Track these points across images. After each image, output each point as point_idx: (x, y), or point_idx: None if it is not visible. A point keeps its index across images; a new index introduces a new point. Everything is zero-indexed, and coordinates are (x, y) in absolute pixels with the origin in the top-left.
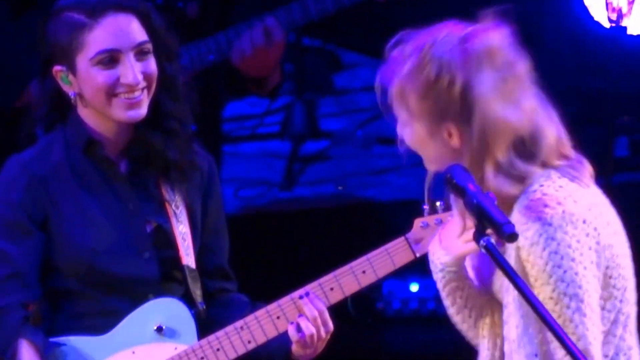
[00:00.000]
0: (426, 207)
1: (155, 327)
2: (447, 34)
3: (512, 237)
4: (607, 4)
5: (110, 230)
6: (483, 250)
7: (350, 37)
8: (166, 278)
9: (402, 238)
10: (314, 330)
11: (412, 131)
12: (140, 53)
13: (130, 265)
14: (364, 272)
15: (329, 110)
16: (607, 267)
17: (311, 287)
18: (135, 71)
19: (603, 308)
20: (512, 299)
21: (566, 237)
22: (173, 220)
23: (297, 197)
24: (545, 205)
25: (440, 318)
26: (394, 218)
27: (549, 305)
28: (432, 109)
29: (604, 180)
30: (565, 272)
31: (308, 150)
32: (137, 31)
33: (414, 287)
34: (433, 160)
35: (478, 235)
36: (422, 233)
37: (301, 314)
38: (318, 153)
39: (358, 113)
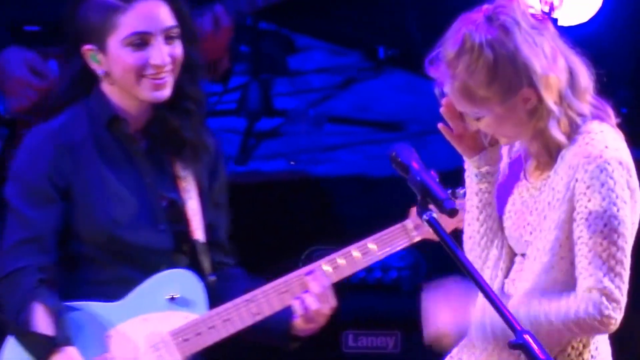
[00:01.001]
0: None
1: (168, 297)
2: (473, 21)
3: (452, 212)
4: None
5: (130, 202)
6: (426, 224)
7: (304, 21)
8: (178, 250)
9: (401, 224)
10: (319, 306)
11: (490, 118)
12: (168, 37)
13: (147, 237)
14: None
15: (283, 90)
16: (632, 223)
17: (317, 265)
18: (163, 53)
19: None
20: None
21: (621, 180)
22: (185, 196)
23: (252, 171)
24: (606, 147)
25: (402, 288)
26: (343, 192)
27: (597, 239)
28: (503, 87)
29: None
30: (619, 210)
31: (263, 127)
32: (166, 16)
33: None
34: (514, 133)
35: (421, 210)
36: (418, 220)
37: (307, 289)
38: (272, 130)
39: (310, 93)
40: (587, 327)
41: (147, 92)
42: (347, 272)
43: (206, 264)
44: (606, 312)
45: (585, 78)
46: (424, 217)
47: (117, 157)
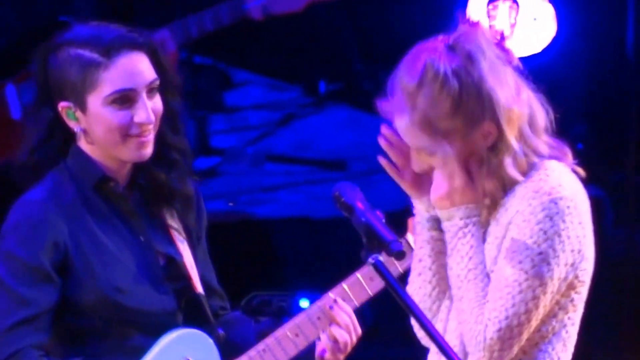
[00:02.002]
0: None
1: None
2: (434, 49)
3: (399, 255)
4: (490, 27)
5: (128, 266)
6: (371, 268)
7: (241, 55)
8: (183, 309)
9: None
10: (347, 338)
11: (446, 152)
12: (150, 91)
13: (151, 300)
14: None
15: (220, 127)
16: (576, 277)
17: (327, 296)
18: (149, 111)
19: (555, 315)
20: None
21: (561, 226)
22: (180, 249)
23: None
24: (560, 185)
25: None
26: (284, 234)
27: (506, 272)
28: (467, 118)
29: None
30: (539, 254)
31: (199, 166)
32: (148, 69)
33: (304, 304)
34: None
35: (366, 253)
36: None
37: (332, 322)
38: (209, 169)
39: (248, 130)
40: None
41: (131, 152)
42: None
43: (211, 317)
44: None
45: (542, 114)
46: (370, 260)
47: (109, 218)
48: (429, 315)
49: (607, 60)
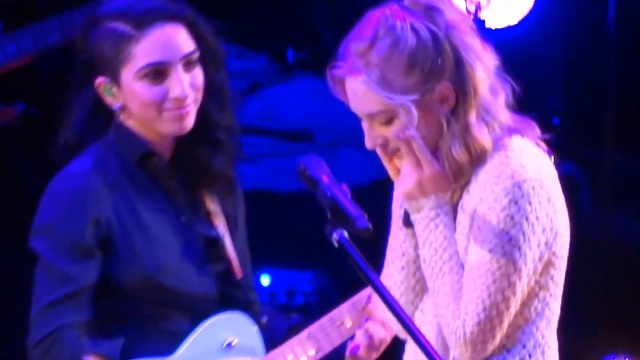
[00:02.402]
0: None
1: (224, 344)
2: (387, 8)
3: (365, 231)
4: None
5: (171, 244)
6: (335, 244)
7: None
8: (223, 292)
9: None
10: (383, 334)
11: (402, 119)
12: (188, 64)
13: (193, 282)
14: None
15: None
16: (553, 254)
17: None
18: (184, 84)
19: (536, 295)
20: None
21: (528, 209)
22: (220, 232)
23: None
24: (522, 166)
25: (309, 314)
26: (245, 209)
27: (477, 262)
28: (424, 76)
29: None
30: (509, 240)
31: None
32: (184, 41)
33: (265, 280)
34: (429, 140)
35: (331, 229)
36: None
37: (368, 317)
38: None
39: None
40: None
41: (168, 125)
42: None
43: (255, 304)
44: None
45: (504, 86)
46: (334, 236)
47: (151, 194)
48: (410, 308)
49: (586, 33)
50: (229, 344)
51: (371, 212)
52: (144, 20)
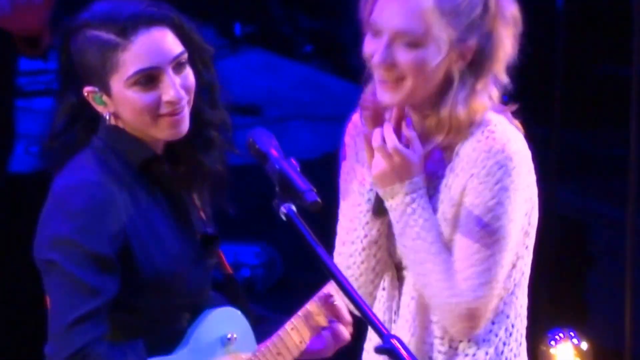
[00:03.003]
0: None
1: (224, 339)
2: None
3: (314, 205)
4: None
5: (178, 247)
6: (284, 218)
7: None
8: (217, 288)
9: None
10: (347, 335)
11: (428, 50)
12: (177, 66)
13: (197, 282)
14: None
15: None
16: (529, 224)
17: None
18: (177, 87)
19: (514, 267)
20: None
21: (518, 180)
22: (210, 228)
23: None
24: (509, 140)
25: (255, 288)
26: None
27: (470, 237)
28: (468, 24)
29: None
30: (504, 213)
31: None
32: (172, 44)
33: None
34: (418, 89)
35: (279, 202)
36: None
37: (334, 318)
38: None
39: None
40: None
41: (165, 131)
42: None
43: (243, 297)
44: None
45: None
46: (282, 210)
47: (156, 199)
48: (370, 288)
49: (534, 10)
50: (229, 339)
51: (319, 185)
52: (128, 26)
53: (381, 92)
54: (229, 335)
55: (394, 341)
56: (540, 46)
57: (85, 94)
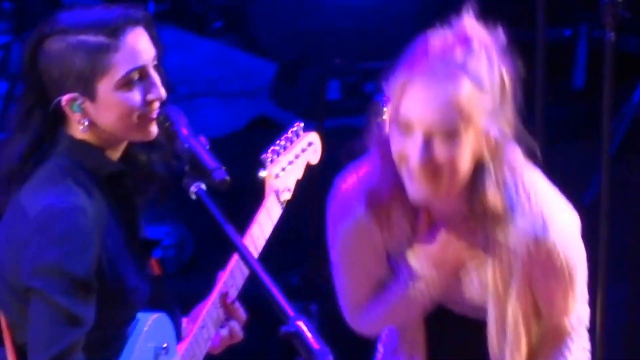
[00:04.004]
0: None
1: (159, 349)
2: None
3: (222, 183)
4: None
5: (133, 258)
6: (193, 197)
7: None
8: (152, 293)
9: (273, 194)
10: (241, 334)
11: (458, 146)
12: (154, 66)
13: (144, 290)
14: (258, 237)
15: None
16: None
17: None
18: (159, 86)
19: None
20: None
21: (576, 249)
22: (147, 232)
23: None
24: (557, 211)
25: (165, 270)
26: None
27: (569, 297)
28: (491, 111)
29: (317, 124)
30: (584, 268)
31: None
32: (150, 44)
33: None
34: (455, 181)
35: (189, 181)
36: (278, 182)
37: (232, 318)
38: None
39: None
40: None
41: (143, 132)
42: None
43: (170, 299)
44: None
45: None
46: (192, 188)
47: (117, 212)
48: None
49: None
50: (164, 349)
51: (228, 164)
52: (117, 27)
53: (415, 188)
54: (164, 345)
55: (300, 323)
56: (444, 13)
57: (63, 102)
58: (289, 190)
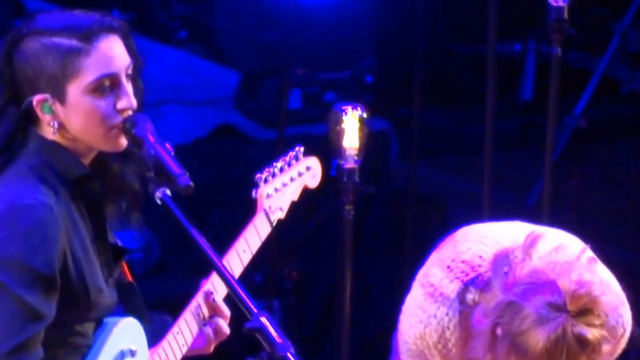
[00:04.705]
0: (261, 175)
1: (126, 352)
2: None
3: (187, 189)
4: None
5: (101, 262)
6: (159, 202)
7: None
8: (121, 298)
9: (262, 212)
10: (227, 329)
11: None
12: (127, 76)
13: (111, 294)
14: (244, 250)
15: None
16: None
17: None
18: (130, 95)
19: None
20: None
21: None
22: (115, 239)
23: None
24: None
25: (132, 273)
26: None
27: None
28: None
29: (277, 133)
30: None
31: None
32: (124, 52)
33: None
34: None
35: (154, 187)
36: (269, 202)
37: (215, 315)
38: None
39: None
40: None
41: (112, 142)
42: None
43: (141, 306)
44: None
45: None
46: (157, 194)
47: (84, 216)
48: None
49: None
50: (132, 352)
51: (192, 170)
52: (90, 33)
53: None
54: (133, 348)
55: (263, 319)
56: (402, 27)
57: (34, 102)
58: (281, 210)
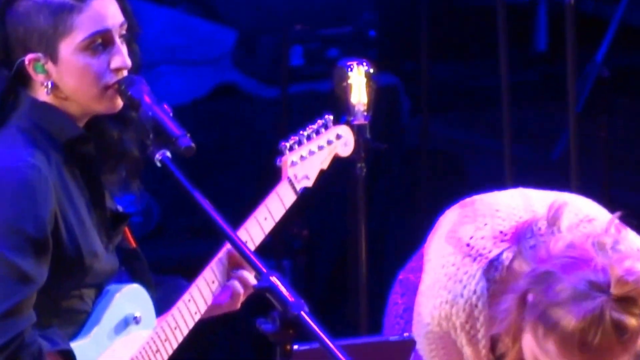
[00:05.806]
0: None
1: (130, 318)
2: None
3: (188, 150)
4: None
5: (95, 227)
6: (158, 164)
7: None
8: (121, 262)
9: (286, 180)
10: (252, 281)
11: None
12: (121, 36)
13: (109, 260)
14: (265, 218)
15: None
16: None
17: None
18: (124, 54)
19: None
20: None
21: None
22: (115, 205)
23: None
24: None
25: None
26: None
27: None
28: None
29: (280, 90)
30: None
31: None
32: (118, 12)
33: None
34: None
35: (154, 149)
36: (294, 170)
37: (240, 267)
38: None
39: None
40: None
41: (106, 103)
42: (255, 244)
43: (146, 272)
44: None
45: None
46: (157, 156)
47: (78, 179)
48: None
49: None
50: (135, 318)
51: (192, 131)
52: None
53: None
54: (137, 315)
55: (273, 278)
56: None
57: (27, 62)
58: (307, 178)
